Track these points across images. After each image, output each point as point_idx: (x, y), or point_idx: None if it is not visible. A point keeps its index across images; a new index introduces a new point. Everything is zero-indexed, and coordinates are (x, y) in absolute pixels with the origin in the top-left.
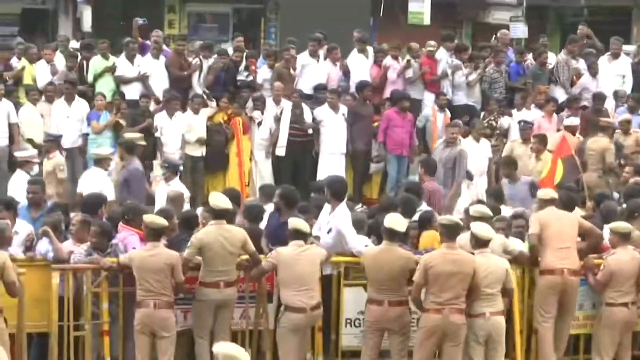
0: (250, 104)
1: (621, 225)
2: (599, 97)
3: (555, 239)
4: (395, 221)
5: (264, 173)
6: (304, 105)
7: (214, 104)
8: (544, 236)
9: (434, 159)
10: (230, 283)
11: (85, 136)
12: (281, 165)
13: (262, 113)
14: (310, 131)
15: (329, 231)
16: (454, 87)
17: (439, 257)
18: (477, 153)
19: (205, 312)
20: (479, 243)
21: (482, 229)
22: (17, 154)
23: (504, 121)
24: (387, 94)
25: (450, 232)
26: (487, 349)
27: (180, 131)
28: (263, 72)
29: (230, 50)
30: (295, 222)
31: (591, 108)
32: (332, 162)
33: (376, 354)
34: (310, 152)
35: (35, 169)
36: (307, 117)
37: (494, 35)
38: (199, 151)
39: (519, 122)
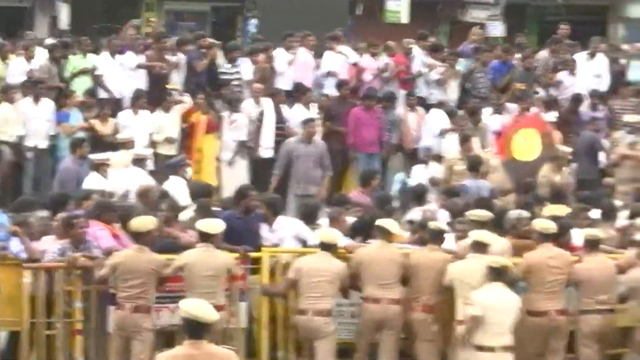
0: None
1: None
2: (577, 99)
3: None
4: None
5: (238, 174)
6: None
7: (186, 98)
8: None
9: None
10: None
11: (52, 137)
12: (261, 167)
13: (236, 112)
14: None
15: None
16: (429, 86)
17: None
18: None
19: None
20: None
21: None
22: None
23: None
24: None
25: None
26: None
27: (147, 130)
28: (245, 70)
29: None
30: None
31: (567, 108)
32: None
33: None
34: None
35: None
36: (287, 116)
37: (472, 32)
38: (172, 149)
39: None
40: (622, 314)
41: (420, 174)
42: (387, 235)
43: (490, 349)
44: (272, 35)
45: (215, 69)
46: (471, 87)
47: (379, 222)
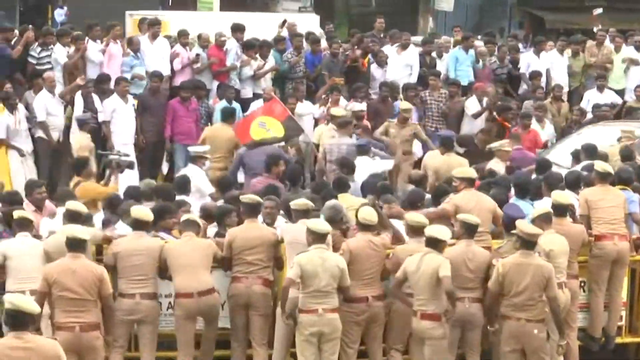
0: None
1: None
2: (386, 86)
3: None
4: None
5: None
6: (94, 95)
7: None
8: None
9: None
10: None
11: None
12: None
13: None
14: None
15: None
16: (242, 80)
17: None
18: None
19: None
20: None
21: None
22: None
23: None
24: (177, 82)
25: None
26: None
27: None
28: (58, 55)
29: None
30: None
31: (378, 97)
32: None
33: None
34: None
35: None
36: (98, 107)
37: (282, 24)
38: None
39: None
40: None
41: None
42: (142, 225)
43: (315, 311)
44: (82, 24)
45: (26, 56)
46: (287, 72)
47: (133, 211)
